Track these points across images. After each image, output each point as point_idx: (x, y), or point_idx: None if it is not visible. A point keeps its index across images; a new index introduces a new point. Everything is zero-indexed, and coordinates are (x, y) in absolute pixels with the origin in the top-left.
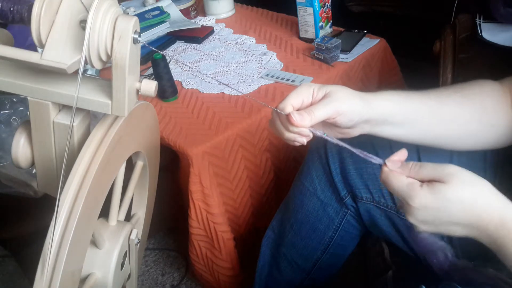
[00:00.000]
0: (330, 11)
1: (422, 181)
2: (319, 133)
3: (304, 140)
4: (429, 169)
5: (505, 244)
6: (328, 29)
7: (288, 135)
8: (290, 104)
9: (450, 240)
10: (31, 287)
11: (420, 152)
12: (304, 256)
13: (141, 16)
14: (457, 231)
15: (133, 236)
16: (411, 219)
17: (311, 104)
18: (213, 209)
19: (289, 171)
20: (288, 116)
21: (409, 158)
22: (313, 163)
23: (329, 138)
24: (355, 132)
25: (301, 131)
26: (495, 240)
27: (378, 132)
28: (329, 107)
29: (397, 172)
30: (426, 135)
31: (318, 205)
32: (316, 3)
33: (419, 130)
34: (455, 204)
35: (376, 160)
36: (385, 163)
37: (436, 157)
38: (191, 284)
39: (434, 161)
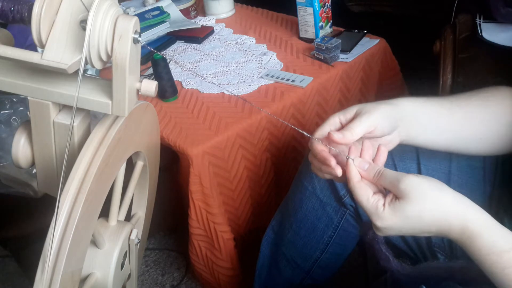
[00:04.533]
0: (330, 11)
1: (383, 190)
2: (345, 156)
3: (339, 172)
4: (387, 181)
5: (467, 247)
6: (328, 29)
7: (325, 168)
8: (320, 135)
9: (449, 240)
10: (31, 287)
11: (419, 153)
12: (304, 255)
13: (141, 16)
14: (424, 235)
15: (133, 236)
16: (379, 233)
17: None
18: (213, 209)
19: (289, 171)
20: (329, 134)
21: (408, 160)
22: None
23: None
24: (395, 141)
25: (334, 170)
26: (460, 244)
27: (411, 138)
28: (365, 122)
29: (363, 177)
30: (454, 138)
31: (317, 205)
32: (316, 3)
33: (445, 133)
34: (415, 220)
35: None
36: (349, 158)
37: (435, 158)
38: (191, 284)
39: (432, 161)
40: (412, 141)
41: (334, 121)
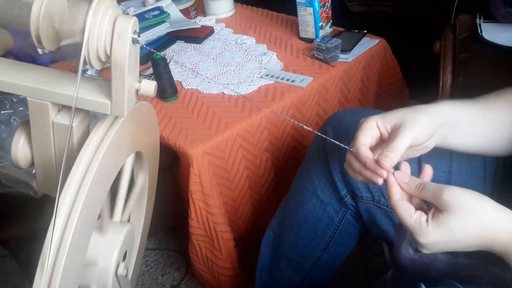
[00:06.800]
0: (330, 11)
1: (425, 203)
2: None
3: (380, 181)
4: (429, 193)
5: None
6: (328, 29)
7: (366, 173)
8: (363, 144)
9: None
10: (31, 287)
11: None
12: (304, 255)
13: (141, 16)
14: (469, 250)
15: (120, 271)
16: (423, 250)
17: (381, 137)
18: (213, 209)
19: (289, 171)
20: (378, 161)
21: (408, 160)
22: (313, 162)
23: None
24: (430, 146)
25: (378, 172)
26: (506, 257)
27: (446, 142)
28: (406, 138)
29: (404, 190)
30: (486, 141)
31: (318, 205)
32: (316, 3)
33: (479, 136)
34: (460, 233)
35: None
36: (393, 173)
37: (436, 157)
38: (191, 284)
39: (434, 160)
40: (445, 145)
41: (372, 125)
